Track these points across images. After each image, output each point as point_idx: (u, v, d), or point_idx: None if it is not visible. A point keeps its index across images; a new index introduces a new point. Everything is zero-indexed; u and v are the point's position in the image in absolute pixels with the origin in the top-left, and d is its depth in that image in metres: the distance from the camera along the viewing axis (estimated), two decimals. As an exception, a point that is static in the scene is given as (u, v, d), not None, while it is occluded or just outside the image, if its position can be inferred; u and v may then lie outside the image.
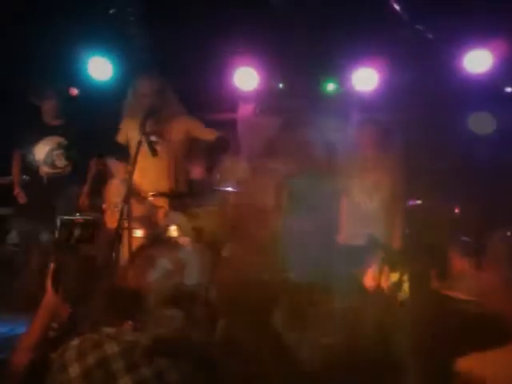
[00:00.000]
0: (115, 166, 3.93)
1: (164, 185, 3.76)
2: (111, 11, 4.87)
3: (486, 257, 2.29)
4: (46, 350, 1.91)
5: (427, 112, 5.37)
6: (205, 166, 3.87)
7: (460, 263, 2.13)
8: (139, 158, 3.46)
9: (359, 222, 4.51)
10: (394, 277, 2.74)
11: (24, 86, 4.66)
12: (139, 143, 3.51)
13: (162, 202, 3.75)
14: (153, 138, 3.80)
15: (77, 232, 3.77)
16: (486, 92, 5.08)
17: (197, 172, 3.84)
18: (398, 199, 4.70)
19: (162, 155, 3.80)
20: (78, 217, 3.50)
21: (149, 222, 3.72)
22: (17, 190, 4.60)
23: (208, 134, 3.93)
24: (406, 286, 2.68)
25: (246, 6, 4.77)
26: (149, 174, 3.74)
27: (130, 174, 3.42)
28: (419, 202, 5.10)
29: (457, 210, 5.02)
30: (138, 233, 3.68)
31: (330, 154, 6.12)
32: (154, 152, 3.80)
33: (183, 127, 3.88)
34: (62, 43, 4.88)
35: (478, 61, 5.03)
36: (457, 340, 1.59)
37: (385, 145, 4.81)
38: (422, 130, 5.62)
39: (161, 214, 3.72)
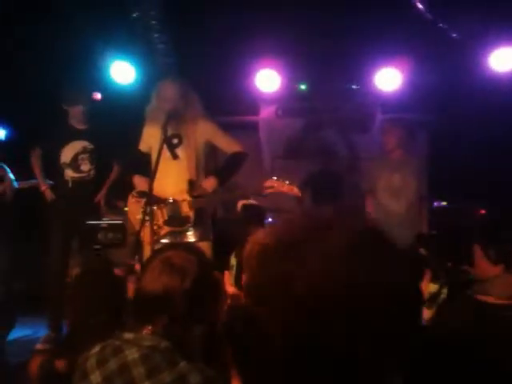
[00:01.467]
0: (138, 180, 3.91)
1: (183, 187, 3.75)
2: (134, 15, 4.89)
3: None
4: (51, 356, 1.91)
5: (452, 112, 5.28)
6: (218, 177, 3.83)
7: (491, 267, 2.06)
8: (160, 161, 3.46)
9: (386, 224, 4.46)
10: (433, 287, 2.63)
11: (51, 88, 4.69)
12: (161, 147, 3.50)
13: (183, 196, 3.75)
14: (174, 141, 3.82)
15: (101, 236, 3.79)
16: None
17: (208, 182, 3.81)
18: (423, 200, 4.65)
19: (182, 158, 3.81)
20: (102, 221, 3.51)
21: (178, 219, 3.73)
22: (43, 187, 4.57)
23: (228, 146, 3.91)
24: (441, 299, 2.58)
25: (267, 8, 4.74)
26: (169, 176, 3.73)
27: (152, 179, 3.42)
28: (445, 203, 5.01)
29: (483, 212, 4.92)
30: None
31: (354, 155, 6.08)
32: (174, 155, 3.81)
33: (205, 132, 3.86)
34: (84, 48, 4.92)
35: (503, 59, 4.94)
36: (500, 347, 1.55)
37: (410, 146, 4.76)
38: (446, 129, 5.54)
39: (185, 207, 3.73)
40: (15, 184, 4.54)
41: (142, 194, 3.75)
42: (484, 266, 2.12)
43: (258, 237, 2.15)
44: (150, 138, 3.86)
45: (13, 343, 3.84)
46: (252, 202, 4.42)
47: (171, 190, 3.76)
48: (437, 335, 1.53)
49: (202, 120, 3.85)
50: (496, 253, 2.06)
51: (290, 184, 3.63)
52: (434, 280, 2.65)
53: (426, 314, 2.44)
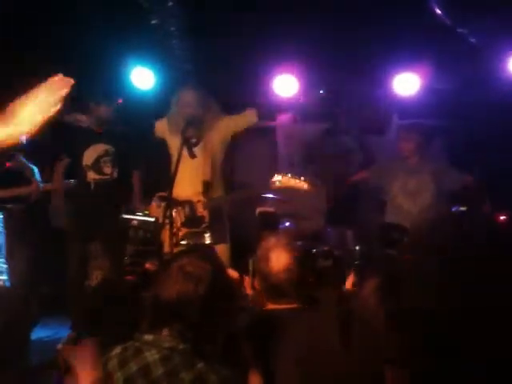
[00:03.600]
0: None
1: (199, 189, 3.83)
2: (153, 22, 4.97)
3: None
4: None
5: (469, 117, 5.27)
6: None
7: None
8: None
9: (399, 222, 4.50)
10: None
11: (72, 93, 4.75)
12: (180, 150, 3.58)
13: (199, 197, 3.82)
14: (192, 140, 3.90)
15: (132, 234, 3.83)
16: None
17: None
18: (440, 204, 4.65)
19: (199, 157, 3.89)
20: (133, 218, 3.53)
21: (194, 220, 3.80)
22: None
23: (245, 118, 4.00)
24: None
25: (285, 13, 4.79)
26: (186, 176, 3.79)
27: (171, 183, 3.49)
28: (463, 208, 4.99)
29: (504, 217, 4.88)
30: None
31: (370, 159, 6.09)
32: (192, 154, 3.89)
33: (221, 126, 3.94)
34: (105, 54, 5.01)
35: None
36: None
37: (427, 150, 4.77)
38: (465, 134, 5.52)
39: (200, 207, 3.80)
40: (41, 186, 4.63)
41: (163, 199, 3.83)
42: None
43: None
44: (173, 149, 3.95)
45: (36, 343, 3.91)
46: (269, 209, 4.46)
47: (187, 191, 3.84)
48: None
49: (219, 119, 3.94)
50: None
51: (299, 180, 3.68)
52: None
53: None
